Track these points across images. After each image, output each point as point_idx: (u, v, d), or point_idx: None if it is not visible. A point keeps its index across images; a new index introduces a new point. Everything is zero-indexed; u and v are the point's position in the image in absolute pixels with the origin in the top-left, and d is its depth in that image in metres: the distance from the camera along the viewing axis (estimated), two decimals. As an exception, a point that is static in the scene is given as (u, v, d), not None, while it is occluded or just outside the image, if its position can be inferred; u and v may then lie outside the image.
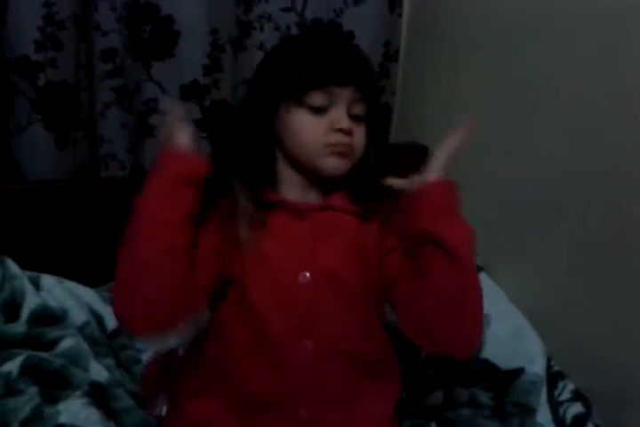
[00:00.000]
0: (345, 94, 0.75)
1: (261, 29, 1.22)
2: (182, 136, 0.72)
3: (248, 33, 1.22)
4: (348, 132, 0.76)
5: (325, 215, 0.79)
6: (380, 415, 0.84)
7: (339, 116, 0.76)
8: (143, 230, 0.69)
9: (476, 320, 0.74)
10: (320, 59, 0.76)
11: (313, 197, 0.80)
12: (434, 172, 0.75)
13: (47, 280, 0.99)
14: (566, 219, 1.01)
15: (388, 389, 0.86)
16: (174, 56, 1.14)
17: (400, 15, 1.32)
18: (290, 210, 0.78)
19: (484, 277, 1.13)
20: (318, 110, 0.76)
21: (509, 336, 1.04)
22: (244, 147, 0.78)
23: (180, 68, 1.15)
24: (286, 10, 1.22)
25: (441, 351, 0.77)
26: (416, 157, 1.26)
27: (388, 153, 1.03)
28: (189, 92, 1.16)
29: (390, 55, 1.32)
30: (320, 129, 0.76)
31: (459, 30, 1.22)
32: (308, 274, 0.77)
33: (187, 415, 0.80)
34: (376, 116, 0.82)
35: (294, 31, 1.24)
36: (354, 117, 0.77)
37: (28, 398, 0.81)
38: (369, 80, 0.80)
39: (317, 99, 0.75)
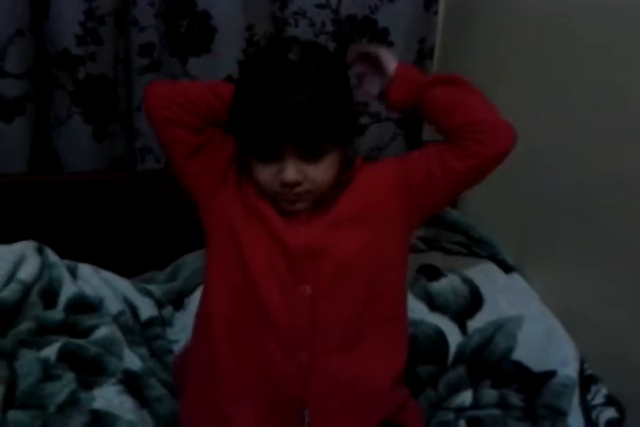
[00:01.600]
0: (289, 151, 0.76)
1: (296, 26, 1.23)
2: None
3: (283, 29, 1.23)
4: (294, 185, 0.78)
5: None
6: (383, 370, 0.84)
7: (281, 169, 0.77)
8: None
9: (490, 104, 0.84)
10: (257, 125, 0.75)
11: None
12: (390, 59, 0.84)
13: (84, 269, 1.01)
14: (601, 219, 0.99)
15: (392, 343, 0.87)
16: (210, 51, 1.15)
17: (436, 13, 1.31)
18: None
19: (516, 278, 1.12)
20: (266, 160, 0.78)
21: (542, 338, 1.03)
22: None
23: (215, 64, 1.16)
24: (321, 6, 1.23)
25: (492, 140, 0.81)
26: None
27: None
28: (225, 88, 1.17)
29: (425, 52, 1.32)
30: (269, 177, 0.78)
31: (495, 28, 1.21)
32: (303, 228, 0.82)
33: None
34: (350, 135, 0.82)
35: (329, 28, 1.24)
36: (311, 155, 0.77)
37: (65, 384, 0.82)
38: (310, 133, 0.75)
39: (262, 153, 0.78)
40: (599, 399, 0.98)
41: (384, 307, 0.85)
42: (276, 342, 0.81)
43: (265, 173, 0.78)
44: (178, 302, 1.06)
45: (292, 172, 0.76)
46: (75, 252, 1.03)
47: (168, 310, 1.05)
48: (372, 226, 0.85)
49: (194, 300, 1.03)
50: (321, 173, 0.79)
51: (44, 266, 0.96)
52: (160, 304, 1.04)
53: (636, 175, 0.91)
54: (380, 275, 0.85)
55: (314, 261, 0.82)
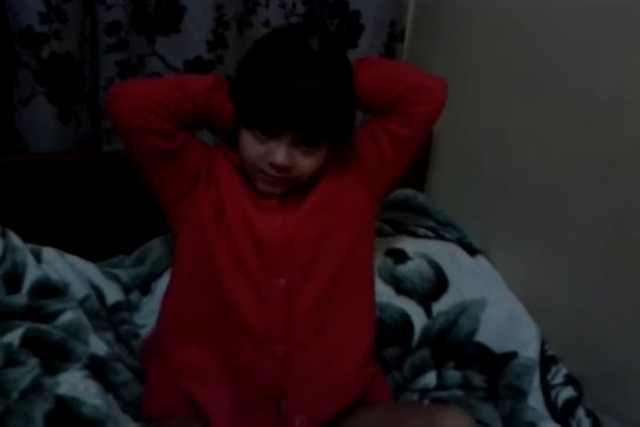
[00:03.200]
0: (288, 133, 0.78)
1: (267, 6, 1.20)
2: None
3: (254, 10, 1.21)
4: (281, 169, 0.79)
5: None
6: (353, 348, 0.87)
7: (274, 150, 0.79)
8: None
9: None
10: (265, 102, 0.77)
11: None
12: None
13: (49, 253, 0.99)
14: (566, 204, 1.01)
15: (360, 320, 0.89)
16: (179, 31, 1.12)
17: (407, -5, 1.31)
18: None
19: (481, 261, 1.14)
20: (263, 135, 0.79)
21: (504, 320, 1.05)
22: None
23: (184, 44, 1.13)
24: (292, -13, 1.21)
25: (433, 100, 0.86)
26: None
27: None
28: (193, 68, 1.15)
29: (396, 35, 1.31)
30: (257, 153, 0.80)
31: (466, 12, 1.21)
32: (278, 223, 0.83)
33: (171, 360, 0.84)
34: (344, 132, 0.84)
35: (300, 9, 1.22)
36: (306, 144, 0.80)
37: (29, 369, 0.82)
38: (318, 122, 0.77)
39: (263, 129, 0.79)
40: (558, 379, 1.01)
41: (353, 287, 0.88)
42: (250, 337, 0.81)
43: (257, 150, 0.80)
44: (145, 286, 1.06)
45: (283, 154, 0.78)
46: (39, 235, 1.01)
47: (135, 295, 1.04)
48: (342, 211, 0.87)
49: (161, 284, 1.02)
50: (309, 164, 0.81)
51: (7, 250, 0.94)
52: (127, 289, 1.04)
53: (603, 162, 0.93)
54: (348, 256, 0.87)
55: (288, 252, 0.83)
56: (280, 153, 0.78)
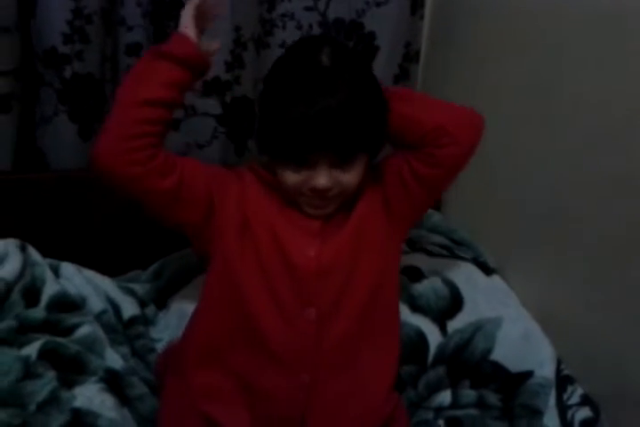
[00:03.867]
0: (322, 157, 0.77)
1: (284, 28, 1.23)
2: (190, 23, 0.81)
3: (271, 31, 1.23)
4: (325, 191, 0.79)
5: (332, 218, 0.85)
6: (379, 381, 0.86)
7: (314, 175, 0.78)
8: (130, 79, 0.84)
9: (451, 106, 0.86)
10: (294, 132, 0.75)
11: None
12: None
13: (67, 268, 1.01)
14: (581, 223, 1.01)
15: (387, 351, 0.88)
16: (197, 52, 1.15)
17: (422, 17, 1.33)
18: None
19: (497, 280, 1.14)
20: (296, 167, 0.79)
21: (519, 339, 1.04)
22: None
23: (202, 64, 1.16)
24: (309, 9, 1.23)
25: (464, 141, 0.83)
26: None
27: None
28: (211, 88, 1.18)
29: (411, 56, 1.33)
30: (299, 181, 0.79)
31: (481, 33, 1.23)
32: (313, 252, 0.82)
33: (190, 383, 0.83)
34: (377, 142, 0.82)
35: (316, 30, 1.25)
36: (343, 161, 0.79)
37: (46, 382, 0.82)
38: (347, 139, 0.76)
39: (295, 160, 0.78)
40: (575, 399, 0.99)
41: (381, 316, 0.87)
42: (275, 364, 0.80)
43: (295, 178, 0.79)
44: (161, 301, 1.06)
45: (324, 179, 0.78)
46: (58, 250, 1.03)
47: (151, 309, 1.05)
48: (372, 242, 0.86)
49: (177, 299, 1.04)
50: (350, 177, 0.80)
51: (27, 264, 0.96)
52: (143, 303, 1.05)
53: (618, 178, 0.93)
54: (378, 286, 0.86)
55: (321, 282, 0.82)
56: (320, 178, 0.77)
